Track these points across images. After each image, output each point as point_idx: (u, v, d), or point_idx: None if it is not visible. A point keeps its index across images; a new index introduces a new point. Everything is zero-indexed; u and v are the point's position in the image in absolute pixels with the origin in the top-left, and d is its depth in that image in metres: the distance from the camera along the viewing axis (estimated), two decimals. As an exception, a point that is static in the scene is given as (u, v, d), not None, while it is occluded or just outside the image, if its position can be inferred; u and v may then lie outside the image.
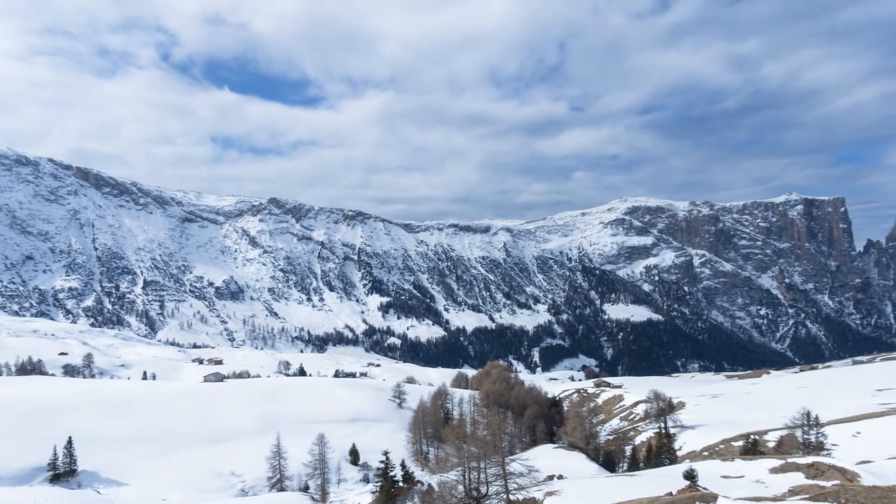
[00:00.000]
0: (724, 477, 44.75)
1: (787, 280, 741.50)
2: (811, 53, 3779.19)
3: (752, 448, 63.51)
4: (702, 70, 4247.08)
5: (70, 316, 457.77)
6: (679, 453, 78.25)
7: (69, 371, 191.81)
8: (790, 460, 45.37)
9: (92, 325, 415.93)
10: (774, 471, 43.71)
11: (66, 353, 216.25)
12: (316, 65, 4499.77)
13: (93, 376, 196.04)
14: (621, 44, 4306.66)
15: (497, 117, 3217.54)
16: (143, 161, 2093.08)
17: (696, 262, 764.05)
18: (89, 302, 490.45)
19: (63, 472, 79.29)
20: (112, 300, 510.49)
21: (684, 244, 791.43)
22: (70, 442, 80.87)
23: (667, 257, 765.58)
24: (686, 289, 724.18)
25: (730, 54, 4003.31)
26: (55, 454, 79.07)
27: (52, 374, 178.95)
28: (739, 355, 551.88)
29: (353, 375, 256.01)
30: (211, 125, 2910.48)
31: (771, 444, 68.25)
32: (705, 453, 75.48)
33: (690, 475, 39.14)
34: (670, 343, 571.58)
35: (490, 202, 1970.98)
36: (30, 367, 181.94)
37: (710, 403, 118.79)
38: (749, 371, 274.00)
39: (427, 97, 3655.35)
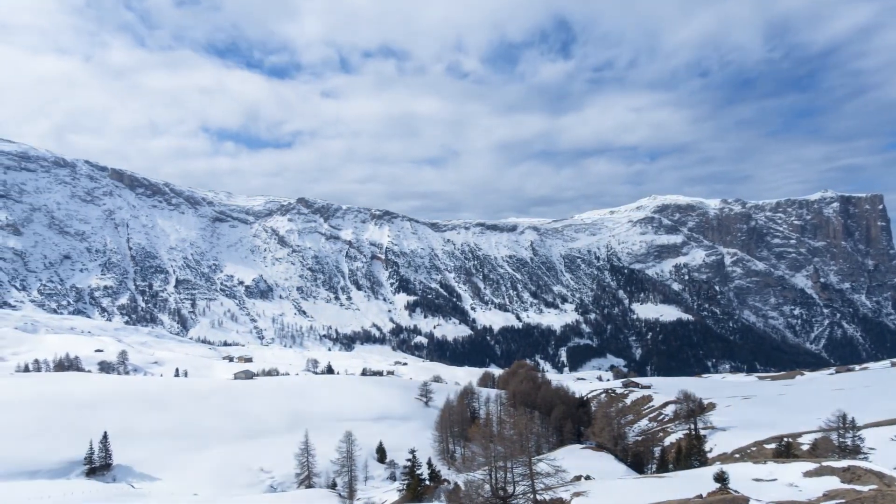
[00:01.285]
0: (756, 480, 43.95)
1: (822, 279, 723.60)
2: (858, 15, 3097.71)
3: (786, 451, 62.34)
4: (733, 39, 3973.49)
5: (105, 314, 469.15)
6: (709, 455, 77.14)
7: (104, 367, 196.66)
8: (825, 464, 44.37)
9: (126, 322, 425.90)
10: (809, 474, 42.78)
11: (101, 350, 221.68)
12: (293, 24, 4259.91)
13: (127, 373, 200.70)
14: (643, 8, 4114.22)
15: (508, 93, 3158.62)
16: (138, 155, 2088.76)
17: (728, 260, 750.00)
18: (124, 300, 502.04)
19: (99, 466, 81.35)
20: (145, 298, 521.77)
21: (715, 243, 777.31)
22: (105, 437, 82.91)
23: (697, 256, 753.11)
24: (717, 288, 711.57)
25: (765, 19, 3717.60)
26: (91, 448, 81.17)
27: (89, 371, 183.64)
28: (772, 356, 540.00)
29: (380, 374, 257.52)
30: (200, 113, 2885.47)
31: (805, 447, 66.88)
32: (737, 455, 74.24)
33: (721, 477, 38.58)
34: (700, 343, 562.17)
35: (508, 196, 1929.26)
36: (67, 364, 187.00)
37: (741, 405, 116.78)
38: (782, 372, 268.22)
39: (428, 77, 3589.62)
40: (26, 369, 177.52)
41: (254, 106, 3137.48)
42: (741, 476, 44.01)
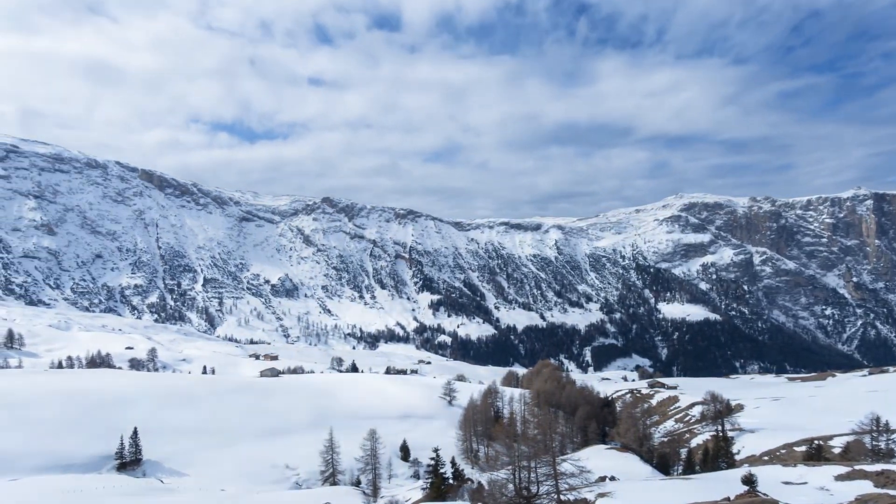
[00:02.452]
0: (786, 483, 43.17)
1: (854, 279, 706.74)
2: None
3: (816, 454, 61.17)
4: (761, 16, 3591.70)
5: (135, 312, 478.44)
6: (737, 457, 76.01)
7: (134, 364, 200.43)
8: (857, 467, 43.44)
9: (156, 320, 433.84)
10: (840, 478, 41.92)
11: (131, 348, 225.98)
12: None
13: (156, 370, 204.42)
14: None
15: (514, 71, 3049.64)
16: (132, 148, 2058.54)
17: (757, 259, 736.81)
18: (153, 299, 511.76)
19: (129, 461, 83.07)
20: (174, 297, 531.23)
21: (744, 241, 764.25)
22: (135, 432, 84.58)
23: (725, 255, 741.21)
24: (745, 287, 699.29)
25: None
26: (122, 444, 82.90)
27: (119, 368, 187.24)
28: (802, 357, 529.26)
29: (403, 372, 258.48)
30: (185, 99, 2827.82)
31: (836, 450, 65.52)
32: (765, 458, 73.04)
33: (749, 480, 37.98)
34: (728, 343, 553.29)
35: (524, 191, 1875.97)
36: (98, 361, 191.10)
37: (770, 406, 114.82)
38: (813, 373, 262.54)
39: (424, 55, 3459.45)
40: (60, 366, 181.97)
41: (235, 85, 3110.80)
42: (770, 479, 43.27)
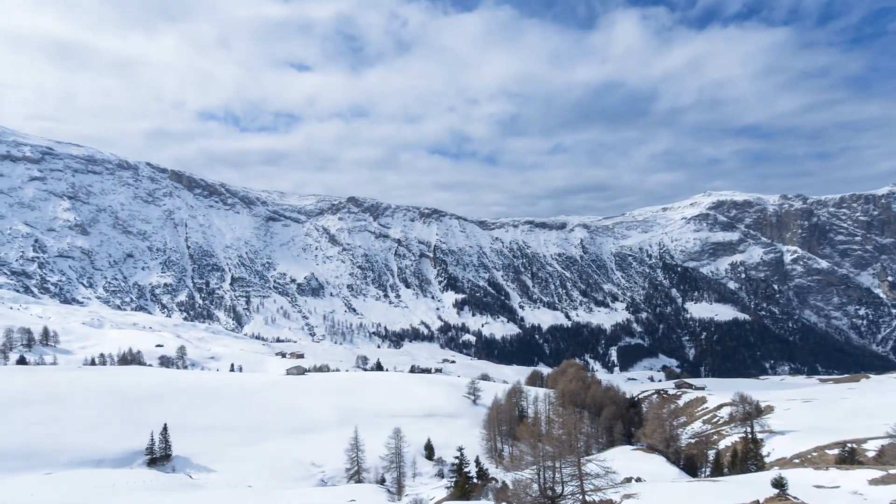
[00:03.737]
0: (817, 487, 42.27)
1: (890, 278, 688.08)
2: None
3: (849, 457, 59.79)
4: None
5: (165, 310, 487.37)
6: (767, 460, 74.59)
7: (164, 362, 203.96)
8: (893, 471, 42.34)
9: (185, 318, 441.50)
10: (874, 482, 40.89)
11: (161, 346, 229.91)
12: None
13: (185, 367, 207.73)
14: None
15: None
16: (120, 139, 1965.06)
17: (787, 258, 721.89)
18: (182, 297, 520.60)
19: (159, 457, 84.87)
20: (202, 296, 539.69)
21: (774, 240, 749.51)
22: (165, 429, 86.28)
23: (754, 254, 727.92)
24: (776, 287, 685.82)
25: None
26: (152, 440, 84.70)
27: (150, 365, 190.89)
28: (835, 358, 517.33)
29: (428, 371, 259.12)
30: (157, 85, 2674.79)
31: (871, 454, 63.93)
32: (796, 461, 71.58)
33: (779, 483, 37.27)
34: (758, 344, 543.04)
35: (538, 186, 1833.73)
36: (130, 358, 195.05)
37: (801, 408, 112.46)
38: (846, 375, 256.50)
39: (410, 29, 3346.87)
40: (93, 363, 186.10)
41: (212, 66, 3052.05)
42: (801, 482, 42.42)
